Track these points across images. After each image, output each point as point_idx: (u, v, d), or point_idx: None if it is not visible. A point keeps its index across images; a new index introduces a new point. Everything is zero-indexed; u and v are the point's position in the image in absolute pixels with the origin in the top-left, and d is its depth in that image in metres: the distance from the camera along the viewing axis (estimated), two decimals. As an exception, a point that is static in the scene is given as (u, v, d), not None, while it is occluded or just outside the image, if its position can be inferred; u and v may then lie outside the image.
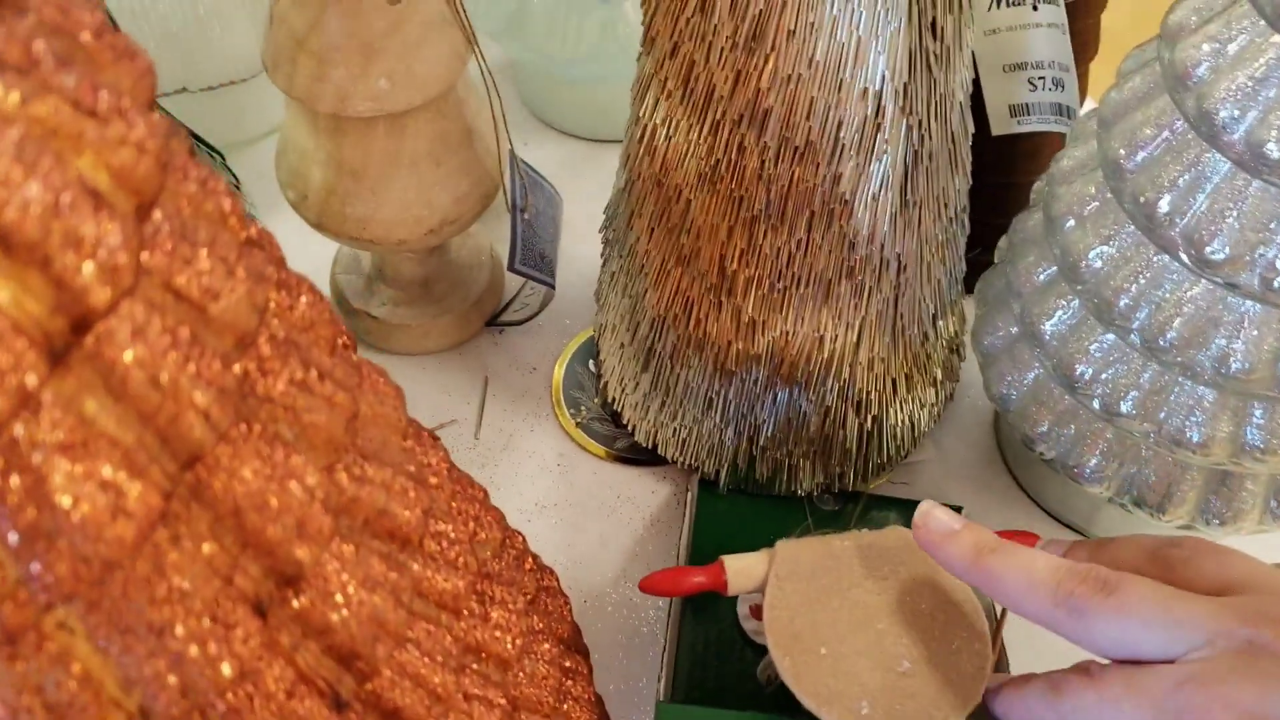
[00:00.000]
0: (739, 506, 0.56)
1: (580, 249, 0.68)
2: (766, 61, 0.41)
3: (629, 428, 0.59)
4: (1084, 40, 0.57)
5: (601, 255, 0.59)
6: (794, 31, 0.40)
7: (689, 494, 0.56)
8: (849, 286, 0.49)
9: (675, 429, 0.57)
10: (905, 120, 0.44)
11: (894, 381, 0.54)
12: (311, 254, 0.66)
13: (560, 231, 0.64)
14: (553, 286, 0.62)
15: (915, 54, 0.42)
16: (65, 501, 0.19)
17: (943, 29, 0.42)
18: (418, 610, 0.30)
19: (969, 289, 0.57)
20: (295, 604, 0.25)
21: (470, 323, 0.64)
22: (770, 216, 0.46)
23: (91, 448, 0.19)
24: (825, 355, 0.51)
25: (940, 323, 0.55)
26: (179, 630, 0.22)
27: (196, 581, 0.22)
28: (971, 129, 0.50)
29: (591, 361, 0.64)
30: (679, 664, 0.49)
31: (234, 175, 0.59)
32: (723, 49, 0.42)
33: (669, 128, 0.47)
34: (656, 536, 0.58)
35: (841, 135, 0.44)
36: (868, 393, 0.54)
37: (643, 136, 0.49)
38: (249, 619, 0.23)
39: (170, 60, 0.65)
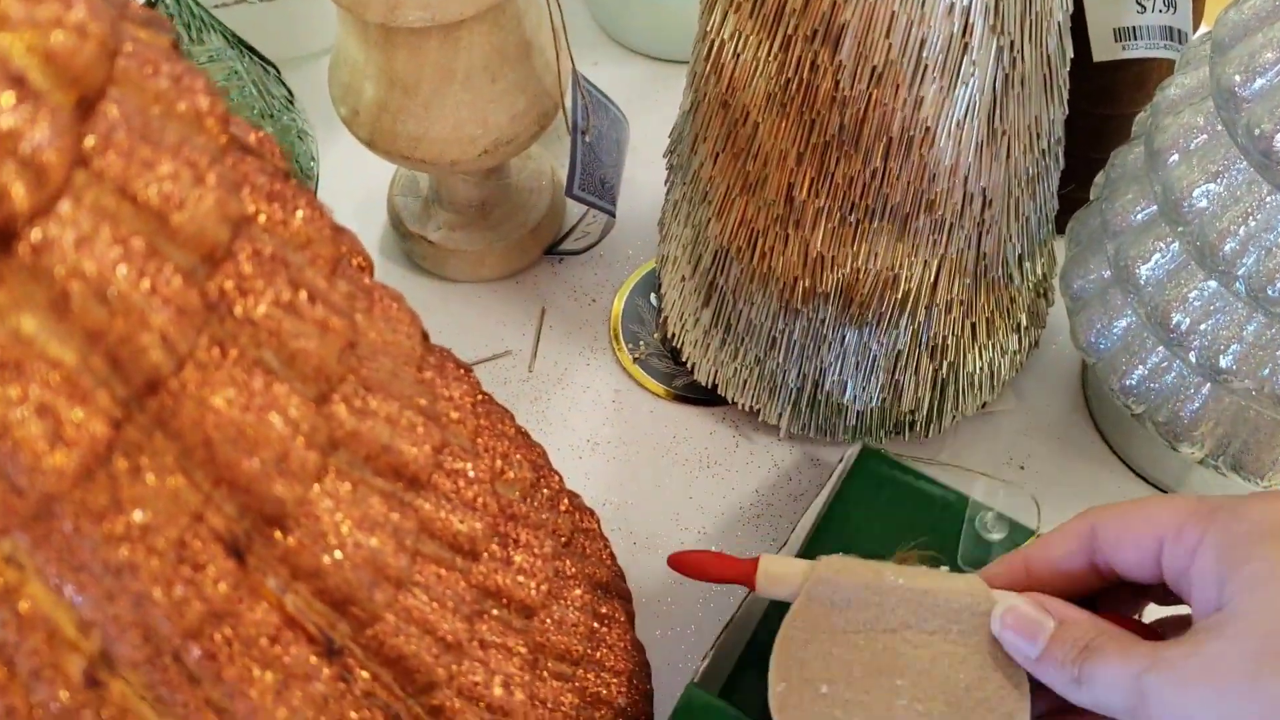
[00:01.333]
0: (898, 492, 0.49)
1: (648, 176, 0.65)
2: None
3: (688, 365, 0.56)
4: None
5: (665, 182, 0.56)
6: None
7: (840, 464, 0.50)
8: (928, 221, 0.45)
9: (736, 369, 0.54)
10: (995, 40, 0.41)
11: (973, 326, 0.51)
12: (370, 174, 0.64)
13: (624, 157, 0.61)
14: (613, 214, 0.59)
15: None
16: (-1, 427, 0.17)
17: None
18: (428, 553, 0.28)
19: (1060, 228, 0.53)
20: (282, 544, 0.23)
21: (528, 250, 0.62)
22: (844, 143, 0.43)
23: (26, 369, 0.17)
24: (899, 295, 0.48)
25: (1027, 264, 0.52)
26: (141, 570, 0.20)
27: (160, 518, 0.20)
28: (1070, 54, 0.46)
29: (653, 295, 0.61)
30: (725, 656, 0.45)
31: (288, 89, 0.57)
32: (794, -45, 0.38)
33: (737, 44, 0.43)
34: (712, 479, 0.56)
35: (924, 55, 0.40)
36: (944, 337, 0.50)
37: (709, 54, 0.46)
38: (222, 559, 0.21)
39: (230, -32, 0.63)
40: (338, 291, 0.24)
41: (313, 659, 0.24)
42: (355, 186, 0.65)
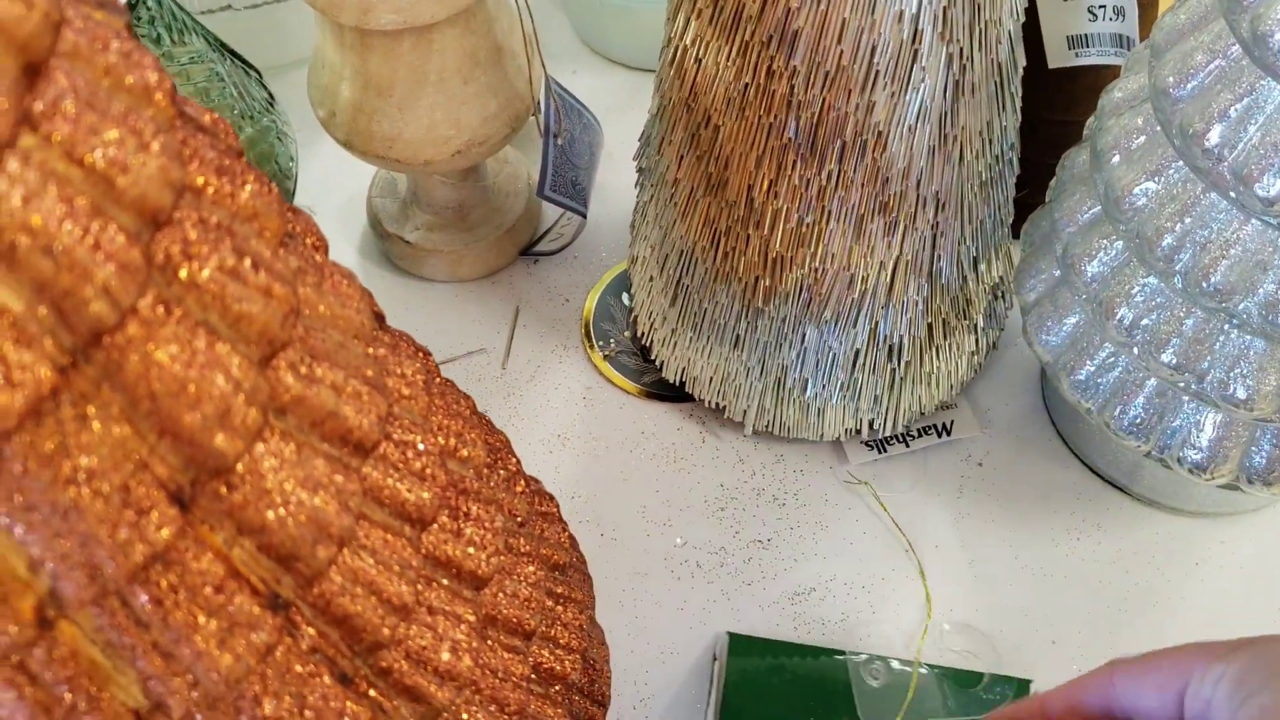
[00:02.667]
0: (774, 674, 0.49)
1: (621, 180, 0.67)
2: None
3: (657, 363, 0.58)
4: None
5: (636, 184, 0.58)
6: None
7: (715, 662, 0.51)
8: (882, 223, 0.47)
9: (702, 366, 0.55)
10: (945, 48, 0.42)
11: (930, 326, 0.52)
12: (349, 176, 0.65)
13: (598, 160, 0.63)
14: (584, 215, 0.60)
15: None
16: (-50, 370, 0.19)
17: None
18: (375, 519, 0.29)
19: (1016, 233, 0.55)
20: (228, 499, 0.25)
21: (504, 251, 0.64)
22: (799, 146, 0.44)
23: (-24, 314, 0.19)
24: (856, 295, 0.49)
25: (982, 266, 0.53)
26: (86, 512, 0.22)
27: (106, 464, 0.22)
28: (1023, 62, 0.48)
29: (625, 294, 0.63)
30: None
31: (269, 92, 0.59)
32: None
33: (698, 49, 0.45)
34: (678, 474, 0.57)
35: (875, 61, 0.42)
36: (901, 336, 0.52)
37: (673, 59, 0.47)
38: (165, 506, 0.23)
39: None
40: (284, 263, 0.25)
41: (256, 609, 0.26)
42: (335, 188, 0.67)
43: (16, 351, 0.19)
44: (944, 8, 0.41)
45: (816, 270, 0.49)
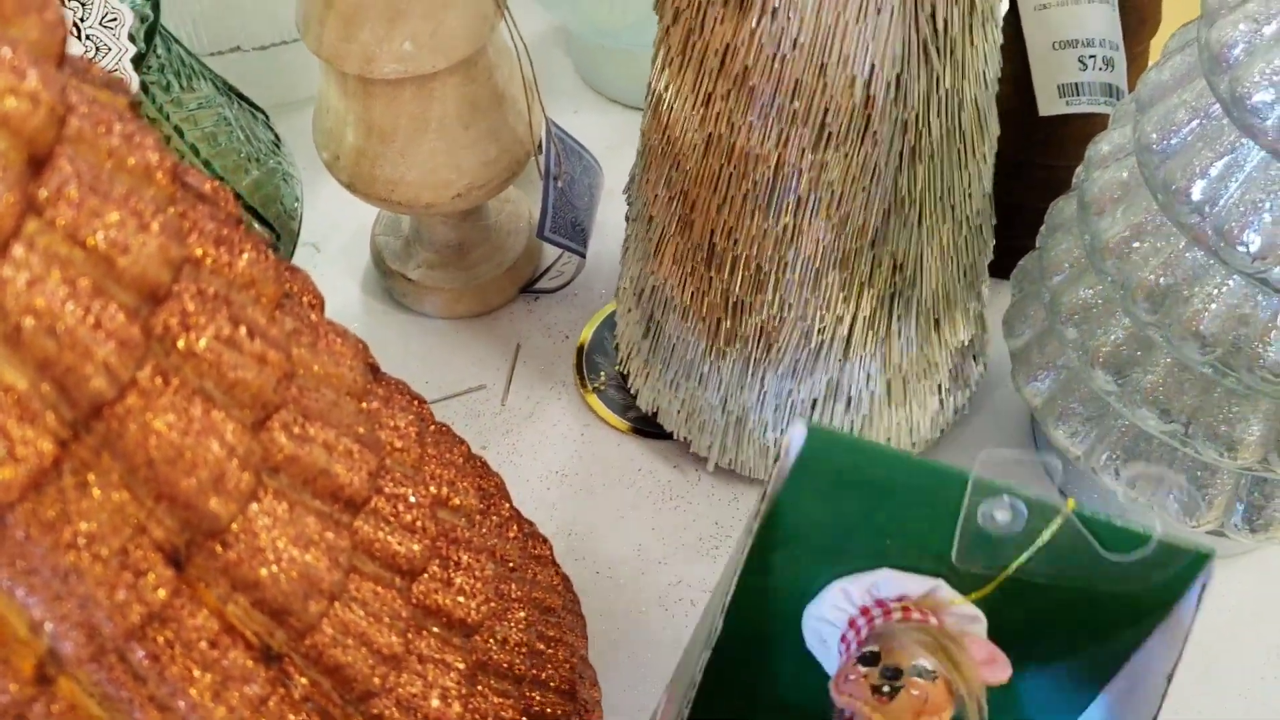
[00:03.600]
0: (860, 478, 0.36)
1: (622, 217, 0.68)
2: (752, 37, 0.40)
3: (633, 392, 0.59)
4: (1142, 16, 0.55)
5: (626, 219, 0.59)
6: (777, 9, 0.39)
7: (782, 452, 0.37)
8: (838, 279, 0.47)
9: (670, 399, 0.56)
10: (899, 113, 0.42)
11: (889, 383, 0.53)
12: (353, 215, 0.66)
13: (597, 201, 0.64)
14: (584, 256, 0.61)
15: (911, 45, 0.40)
16: (-44, 445, 0.20)
17: (945, 21, 0.40)
18: (366, 571, 0.30)
19: (1007, 274, 0.56)
20: (223, 557, 0.26)
21: (504, 289, 0.65)
22: (757, 197, 0.45)
23: (-18, 393, 0.20)
24: (813, 345, 0.50)
25: (946, 329, 0.53)
26: (86, 575, 0.23)
27: (105, 528, 0.23)
28: (995, 130, 0.48)
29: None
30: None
31: (275, 134, 0.60)
32: (715, 19, 0.41)
33: (670, 95, 0.46)
34: (674, 511, 0.58)
35: (828, 122, 0.42)
36: (859, 391, 0.52)
37: (653, 104, 0.49)
38: (161, 567, 0.24)
39: (226, 20, 0.66)
40: (279, 327, 0.26)
41: (250, 663, 0.26)
42: (340, 226, 0.68)
43: (20, 428, 0.20)
44: (897, 75, 0.41)
45: (774, 318, 0.49)
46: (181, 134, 0.53)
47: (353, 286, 0.67)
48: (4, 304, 0.20)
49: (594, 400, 0.61)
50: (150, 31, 0.49)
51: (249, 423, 0.25)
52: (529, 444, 0.60)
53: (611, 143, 0.71)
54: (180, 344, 0.24)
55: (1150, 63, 0.58)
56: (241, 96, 0.59)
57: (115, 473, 0.23)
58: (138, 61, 0.48)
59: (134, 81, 0.47)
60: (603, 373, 0.62)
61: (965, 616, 0.36)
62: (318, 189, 0.67)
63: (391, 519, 0.31)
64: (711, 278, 0.49)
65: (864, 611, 0.36)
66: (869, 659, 0.35)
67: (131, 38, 0.47)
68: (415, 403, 0.37)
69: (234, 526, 0.25)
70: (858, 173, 0.43)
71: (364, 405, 0.31)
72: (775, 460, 0.33)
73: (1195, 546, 0.33)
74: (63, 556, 0.22)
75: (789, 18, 0.39)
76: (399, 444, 0.33)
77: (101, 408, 0.22)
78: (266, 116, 0.61)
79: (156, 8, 0.50)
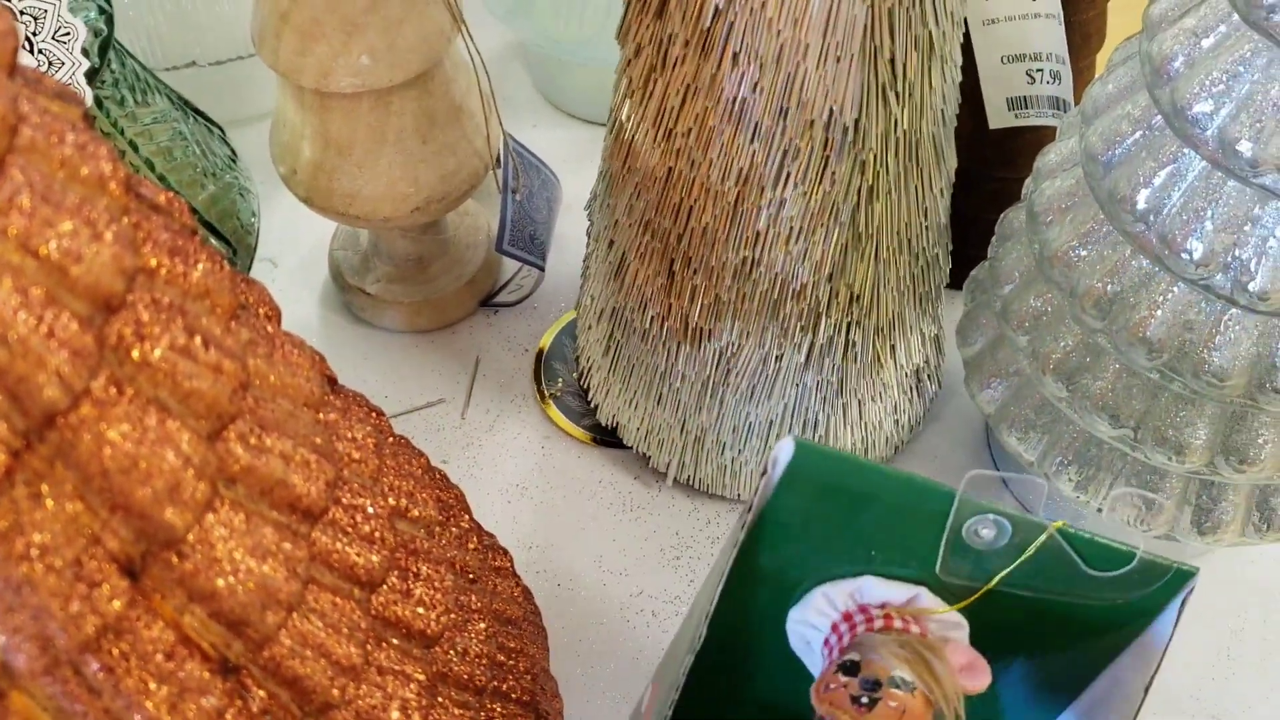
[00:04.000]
0: (848, 496, 0.36)
1: (580, 231, 0.68)
2: (713, 80, 0.41)
3: (592, 406, 0.59)
4: (1087, 32, 0.56)
5: (586, 235, 0.59)
6: (738, 55, 0.39)
7: (768, 469, 0.36)
8: (796, 309, 0.48)
9: (630, 416, 0.56)
10: (857, 155, 0.43)
11: (844, 406, 0.53)
12: (311, 230, 0.66)
13: (555, 214, 0.64)
14: (542, 269, 0.61)
15: (870, 90, 0.41)
16: (-91, 454, 0.20)
17: (903, 66, 0.41)
18: (324, 582, 0.30)
19: (959, 284, 0.56)
20: (179, 568, 0.26)
21: (463, 302, 0.65)
22: (717, 230, 0.45)
23: (-67, 403, 0.20)
24: (770, 372, 0.51)
25: (901, 354, 0.54)
26: (39, 586, 0.22)
27: (59, 539, 0.23)
28: (953, 163, 0.49)
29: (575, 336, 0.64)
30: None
31: (231, 149, 0.60)
32: (676, 59, 0.41)
33: (632, 126, 0.46)
34: (634, 523, 0.58)
35: (787, 163, 0.43)
36: (816, 413, 0.53)
37: (613, 129, 0.49)
38: (116, 578, 0.24)
39: (181, 35, 0.66)
40: (234, 338, 0.26)
41: (206, 674, 0.26)
42: (297, 240, 0.68)
43: (-30, 437, 0.20)
44: (855, 119, 0.42)
45: (733, 344, 0.50)
46: (136, 148, 0.53)
47: (311, 301, 0.67)
48: (-45, 313, 0.20)
49: (553, 411, 0.61)
50: (104, 46, 0.49)
51: (204, 433, 0.25)
52: (489, 457, 0.60)
53: (569, 156, 0.72)
54: (135, 354, 0.24)
55: (1096, 76, 0.59)
56: (197, 111, 0.59)
57: (69, 483, 0.23)
58: (91, 76, 0.48)
59: (87, 96, 0.47)
60: (560, 380, 0.62)
61: (947, 623, 0.37)
62: (274, 204, 0.67)
63: (349, 530, 0.31)
64: (671, 304, 0.49)
65: (846, 617, 0.37)
66: (849, 668, 0.35)
67: (85, 52, 0.47)
68: (373, 414, 0.37)
69: (190, 537, 0.25)
70: (816, 210, 0.44)
71: (321, 416, 0.31)
72: (762, 474, 0.34)
73: (1177, 565, 0.35)
74: (15, 568, 0.22)
75: (749, 62, 0.40)
76: (357, 455, 0.33)
77: (55, 417, 0.22)
78: (222, 131, 0.60)
79: (110, 23, 0.49)
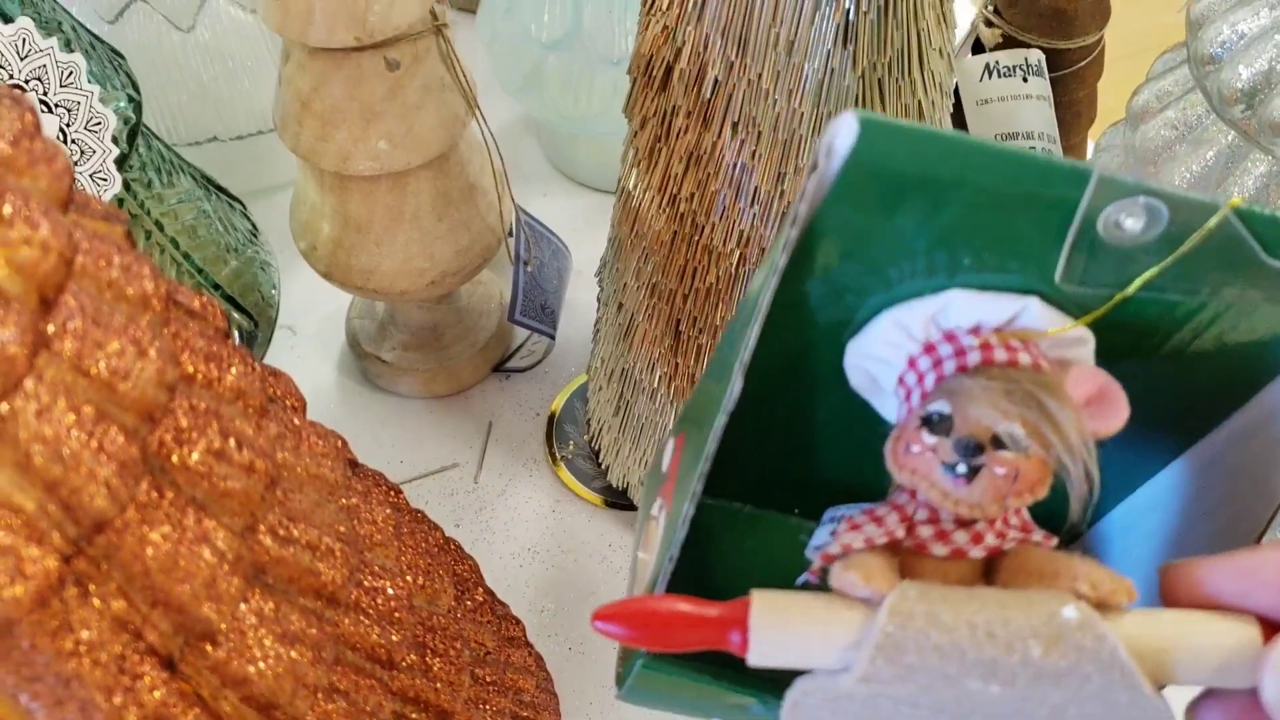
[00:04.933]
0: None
1: (591, 296, 0.70)
2: (714, 148, 0.42)
3: (603, 467, 0.61)
4: (1077, 110, 0.58)
5: (597, 300, 0.61)
6: (737, 124, 0.41)
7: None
8: None
9: (640, 476, 0.58)
10: None
11: None
12: (329, 299, 0.68)
13: (566, 283, 0.66)
14: (553, 337, 0.63)
15: None
16: (-30, 563, 0.21)
17: None
18: (348, 662, 0.32)
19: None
20: (213, 656, 0.27)
21: (477, 368, 0.66)
22: (720, 291, 0.47)
23: (-6, 515, 0.21)
24: None
25: None
26: (86, 680, 0.24)
27: (105, 635, 0.24)
28: None
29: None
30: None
31: (252, 223, 0.62)
32: (679, 130, 0.43)
33: (639, 193, 0.48)
34: (644, 586, 0.59)
35: (786, 226, 0.45)
36: None
37: (621, 197, 0.51)
38: (156, 670, 0.25)
39: (203, 110, 0.68)
40: (265, 435, 0.28)
41: (238, 757, 0.28)
42: (316, 309, 0.70)
43: (28, 547, 0.22)
44: None
45: None
46: (162, 228, 0.55)
47: (328, 368, 0.68)
48: (15, 433, 0.21)
49: (565, 474, 0.63)
50: (132, 133, 0.51)
51: (238, 529, 0.27)
52: (502, 521, 0.62)
53: (580, 224, 0.74)
54: (174, 458, 0.25)
55: (1087, 154, 0.61)
56: (220, 189, 0.61)
57: (114, 582, 0.24)
58: (121, 162, 0.50)
59: (117, 182, 0.49)
60: (572, 442, 0.64)
61: (1066, 341, 0.27)
62: (294, 272, 0.69)
63: (371, 611, 0.33)
64: (678, 363, 0.51)
65: (928, 349, 0.28)
66: (937, 424, 0.26)
67: (115, 140, 0.49)
68: (392, 493, 0.38)
69: (223, 626, 0.27)
70: None
71: (344, 501, 0.33)
72: (811, 170, 0.26)
73: None
74: (64, 664, 0.24)
75: (748, 131, 0.41)
76: (378, 538, 0.34)
77: (103, 524, 0.23)
78: (243, 205, 0.63)
79: (139, 110, 0.52)
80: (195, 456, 0.26)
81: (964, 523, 0.27)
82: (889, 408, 0.29)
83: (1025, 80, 0.54)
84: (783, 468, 0.35)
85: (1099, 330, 0.27)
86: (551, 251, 0.64)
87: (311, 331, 0.70)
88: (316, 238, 0.57)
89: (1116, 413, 0.26)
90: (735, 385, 0.27)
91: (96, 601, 0.24)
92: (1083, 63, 0.55)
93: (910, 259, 0.27)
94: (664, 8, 0.43)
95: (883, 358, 0.29)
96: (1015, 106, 0.55)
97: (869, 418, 0.30)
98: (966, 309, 0.27)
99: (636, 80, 0.47)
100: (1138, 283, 0.26)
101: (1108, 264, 0.26)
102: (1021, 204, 0.25)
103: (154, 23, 0.64)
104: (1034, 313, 0.27)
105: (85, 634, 0.24)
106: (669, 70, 0.43)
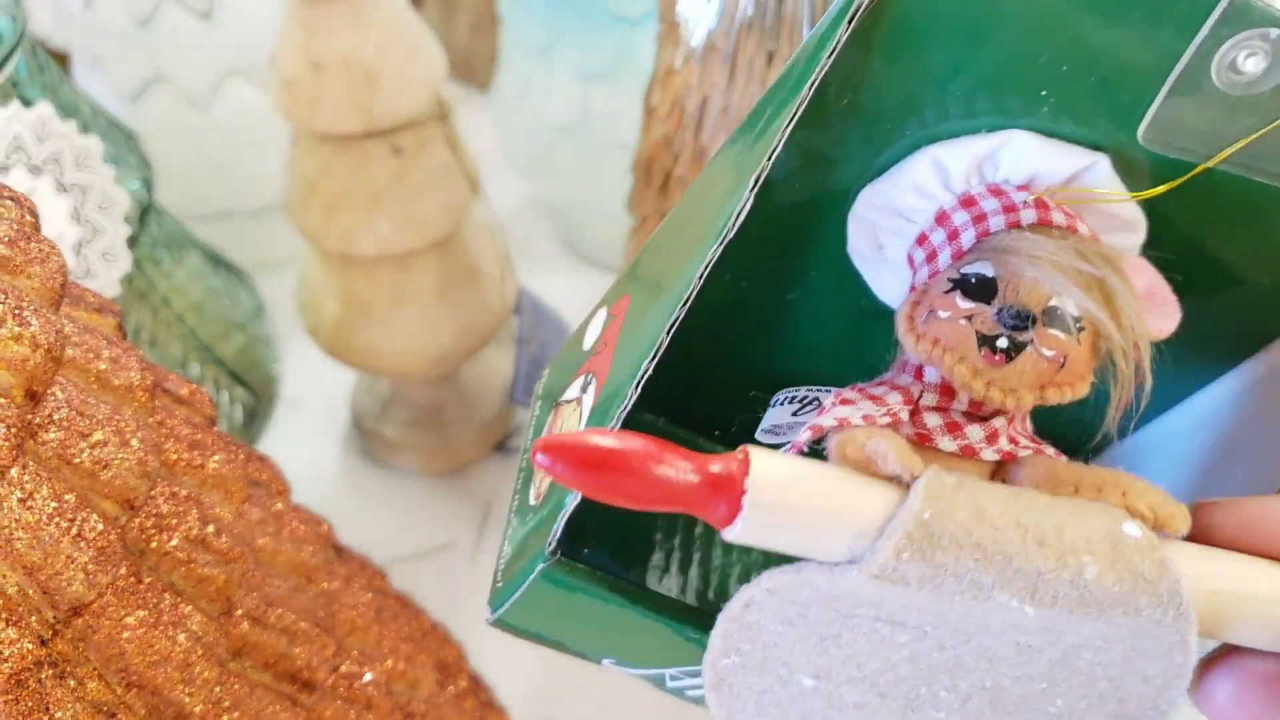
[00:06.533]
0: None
1: (592, 378, 0.71)
2: None
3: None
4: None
5: (598, 389, 0.62)
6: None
7: None
8: None
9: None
10: None
11: None
12: (333, 375, 0.69)
13: (568, 363, 0.67)
14: (553, 417, 0.64)
15: None
16: (-53, 646, 0.22)
17: None
18: (324, 746, 0.32)
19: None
20: (186, 739, 0.27)
21: (478, 446, 0.67)
22: None
23: (-28, 600, 0.22)
24: None
25: None
26: (57, 763, 0.24)
27: (80, 717, 0.25)
28: None
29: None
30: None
31: (258, 299, 0.63)
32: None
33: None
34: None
35: None
36: None
37: (627, 285, 0.52)
38: (128, 754, 0.26)
39: (214, 184, 0.70)
40: (245, 520, 0.29)
41: (207, 841, 0.28)
42: (320, 383, 0.71)
43: (5, 629, 0.22)
44: None
45: None
46: (169, 303, 0.56)
47: (330, 443, 0.69)
48: (-3, 519, 0.22)
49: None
50: (144, 212, 0.52)
51: (215, 613, 0.28)
52: (497, 600, 0.62)
53: (588, 303, 0.74)
54: (154, 544, 0.26)
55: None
56: (227, 265, 0.62)
57: (90, 664, 0.25)
58: (132, 241, 0.51)
59: (127, 259, 0.51)
60: (567, 531, 0.64)
61: (1118, 222, 0.23)
62: (299, 348, 0.70)
63: (348, 696, 0.33)
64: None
65: (966, 202, 0.23)
66: (976, 286, 0.22)
67: (126, 219, 0.51)
68: (376, 577, 0.39)
69: (198, 709, 0.27)
70: None
71: (325, 585, 0.33)
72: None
73: None
74: (37, 746, 0.24)
75: None
76: (359, 622, 0.35)
77: (80, 608, 0.24)
78: (251, 281, 0.64)
79: (150, 188, 0.53)
80: (174, 543, 0.26)
81: (977, 416, 0.23)
82: (887, 282, 0.25)
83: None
84: (716, 365, 0.28)
85: (1166, 209, 0.23)
86: (554, 331, 0.65)
87: (315, 405, 0.71)
88: (320, 316, 0.58)
89: (1168, 315, 0.23)
90: (746, 199, 0.21)
91: (72, 683, 0.25)
92: None
93: (981, 78, 0.22)
94: (663, 116, 0.44)
95: (905, 208, 0.24)
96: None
97: (847, 300, 0.25)
98: (1028, 156, 0.23)
99: (638, 178, 0.48)
100: (1234, 148, 0.21)
101: (1204, 121, 0.21)
102: (1125, 37, 0.20)
103: (173, 101, 0.66)
104: (1099, 173, 0.22)
105: (60, 715, 0.24)
106: (668, 175, 0.44)
